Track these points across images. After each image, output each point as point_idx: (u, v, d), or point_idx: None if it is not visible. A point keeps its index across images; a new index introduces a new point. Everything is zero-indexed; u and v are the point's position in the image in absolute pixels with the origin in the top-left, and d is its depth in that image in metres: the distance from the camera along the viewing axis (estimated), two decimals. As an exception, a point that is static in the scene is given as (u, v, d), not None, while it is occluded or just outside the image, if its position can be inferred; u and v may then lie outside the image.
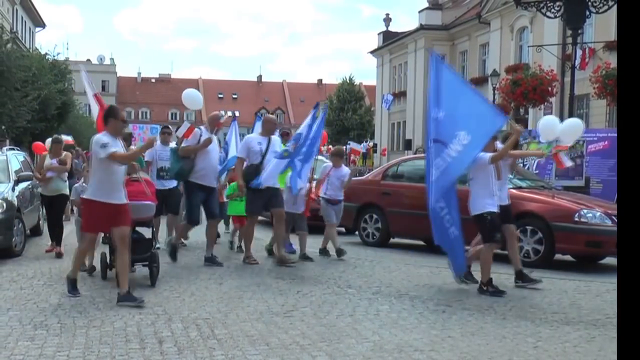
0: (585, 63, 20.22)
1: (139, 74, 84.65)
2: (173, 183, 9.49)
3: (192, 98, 9.18)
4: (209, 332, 5.20)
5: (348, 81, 55.67)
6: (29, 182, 10.53)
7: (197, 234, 9.92)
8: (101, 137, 6.26)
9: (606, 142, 13.56)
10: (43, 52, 30.53)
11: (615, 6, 13.86)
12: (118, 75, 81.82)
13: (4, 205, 8.96)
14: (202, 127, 8.56)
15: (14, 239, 9.05)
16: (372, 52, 45.73)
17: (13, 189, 9.64)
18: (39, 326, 5.34)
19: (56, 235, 9.40)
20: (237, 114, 9.24)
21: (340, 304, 6.35)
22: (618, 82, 3.61)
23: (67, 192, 9.58)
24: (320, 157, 19.85)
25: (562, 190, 10.99)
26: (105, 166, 6.19)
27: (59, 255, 8.94)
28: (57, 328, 5.29)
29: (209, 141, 8.33)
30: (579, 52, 17.99)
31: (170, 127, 10.56)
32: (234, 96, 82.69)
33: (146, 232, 7.48)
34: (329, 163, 9.90)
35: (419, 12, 39.13)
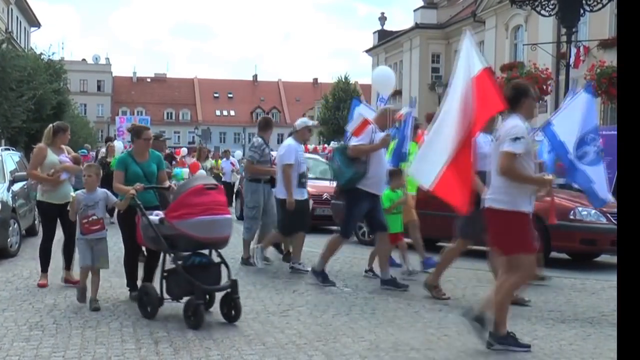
0: (579, 61, 20.28)
1: (135, 73, 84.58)
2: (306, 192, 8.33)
3: (385, 77, 8.37)
4: (205, 332, 5.20)
5: (344, 80, 55.65)
6: (24, 182, 10.50)
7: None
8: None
9: (601, 140, 13.57)
10: (38, 52, 30.41)
11: (609, 5, 13.89)
12: (113, 74, 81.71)
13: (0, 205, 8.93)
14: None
15: (9, 240, 9.03)
16: (367, 51, 45.71)
17: (8, 189, 9.63)
18: (34, 327, 5.33)
19: (71, 255, 7.13)
20: (413, 110, 7.87)
21: (337, 303, 6.36)
22: (618, 80, 3.60)
23: None
24: (316, 157, 19.80)
25: (558, 188, 11.01)
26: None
27: (77, 283, 6.60)
28: (53, 329, 5.28)
29: (387, 140, 6.99)
30: (574, 51, 18.03)
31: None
32: (230, 96, 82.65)
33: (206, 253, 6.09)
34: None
35: (414, 10, 39.12)
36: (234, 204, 15.40)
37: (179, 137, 75.21)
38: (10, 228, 9.13)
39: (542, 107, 23.33)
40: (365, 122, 6.92)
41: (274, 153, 8.75)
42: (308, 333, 5.23)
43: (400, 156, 7.81)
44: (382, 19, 44.78)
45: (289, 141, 8.15)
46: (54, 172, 6.99)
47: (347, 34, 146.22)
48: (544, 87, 19.47)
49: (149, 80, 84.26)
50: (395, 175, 7.55)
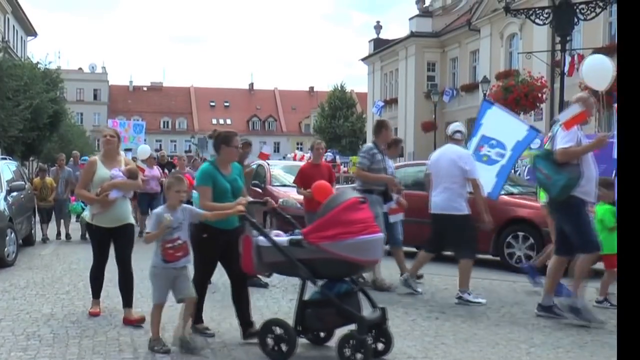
0: (573, 69, 20.36)
1: (131, 82, 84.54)
2: None
3: (601, 68, 7.78)
4: (201, 340, 5.20)
5: (339, 88, 55.81)
6: (21, 192, 10.51)
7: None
8: None
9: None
10: (35, 61, 30.41)
11: (602, 14, 13.99)
12: (110, 83, 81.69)
13: (-4, 215, 8.92)
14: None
15: (6, 249, 9.03)
16: (363, 60, 45.85)
17: (5, 199, 9.63)
18: (31, 336, 5.33)
19: (129, 290, 5.98)
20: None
21: (334, 311, 6.35)
22: (618, 83, 3.63)
23: (133, 219, 6.31)
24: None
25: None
26: None
27: (141, 322, 5.69)
28: (50, 338, 5.28)
29: (604, 140, 6.09)
30: (568, 59, 18.12)
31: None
32: (226, 104, 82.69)
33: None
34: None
35: (410, 19, 39.30)
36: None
37: (175, 146, 75.20)
38: (7, 237, 9.13)
39: (537, 114, 23.47)
40: (584, 113, 5.95)
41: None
42: (304, 341, 5.23)
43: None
44: (378, 27, 44.99)
45: (464, 150, 7.36)
46: (100, 190, 5.77)
47: (342, 43, 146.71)
48: (539, 95, 19.58)
49: (145, 89, 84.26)
50: (609, 186, 6.60)
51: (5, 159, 12.31)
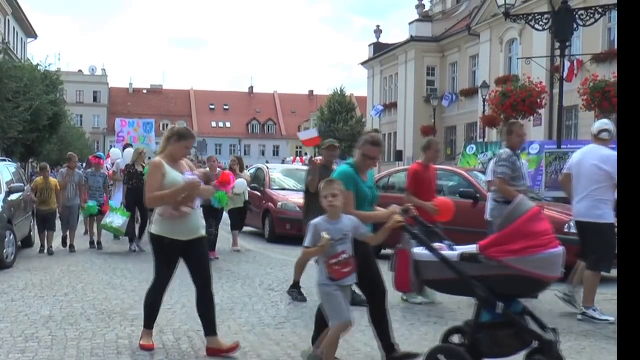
0: (572, 75, 20.45)
1: (131, 84, 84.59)
2: None
3: None
4: (200, 344, 5.20)
5: (339, 92, 55.85)
6: (20, 193, 10.52)
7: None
8: None
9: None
10: (35, 63, 30.45)
11: (601, 19, 14.02)
12: (110, 85, 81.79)
13: (-5, 216, 8.91)
14: None
15: (4, 251, 9.03)
16: (362, 64, 45.92)
17: (4, 200, 9.63)
18: (29, 338, 5.33)
19: (212, 315, 5.08)
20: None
21: (332, 315, 6.36)
22: (618, 89, 3.64)
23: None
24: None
25: (552, 202, 11.07)
26: None
27: (233, 350, 4.94)
28: (48, 340, 5.28)
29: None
30: (567, 64, 18.17)
31: None
32: (225, 107, 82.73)
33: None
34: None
35: (409, 23, 39.38)
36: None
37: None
38: (6, 239, 9.13)
39: (536, 120, 23.50)
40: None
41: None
42: (303, 345, 5.23)
43: None
44: (378, 31, 45.07)
45: (610, 151, 6.49)
46: (183, 198, 4.83)
47: (342, 46, 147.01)
48: (538, 100, 19.62)
49: (144, 91, 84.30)
50: None
51: (5, 160, 12.32)
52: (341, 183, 4.36)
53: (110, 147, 25.00)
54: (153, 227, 5.03)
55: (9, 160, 12.75)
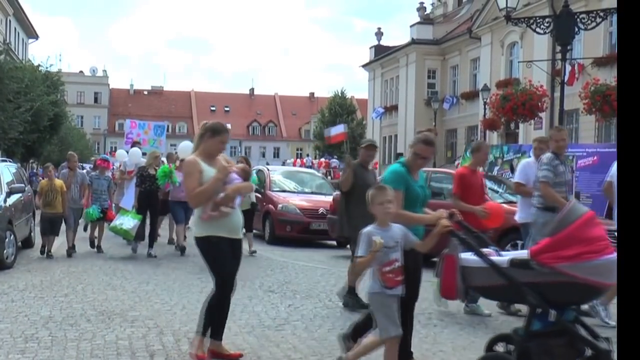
0: (573, 79, 20.44)
1: (132, 85, 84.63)
2: None
3: None
4: (200, 345, 5.20)
5: (340, 94, 55.88)
6: (20, 194, 10.52)
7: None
8: None
9: (595, 158, 13.69)
10: (36, 64, 30.48)
11: (603, 23, 14.01)
12: (110, 87, 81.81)
13: (-5, 217, 8.91)
14: None
15: (5, 251, 9.03)
16: (363, 66, 45.95)
17: (5, 201, 9.64)
18: (30, 339, 5.33)
19: (223, 318, 4.95)
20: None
21: (332, 318, 6.38)
22: (618, 93, 3.64)
23: None
24: (312, 171, 19.78)
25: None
26: None
27: (235, 358, 4.89)
28: (48, 341, 5.28)
29: None
30: (568, 68, 18.17)
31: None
32: (226, 109, 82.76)
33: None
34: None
35: (411, 26, 39.38)
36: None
37: (175, 150, 75.28)
38: (6, 240, 9.13)
39: (537, 124, 23.52)
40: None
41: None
42: (303, 348, 5.24)
43: None
44: (379, 34, 45.09)
45: None
46: (225, 197, 4.69)
47: (343, 49, 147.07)
48: (539, 104, 19.63)
49: (145, 92, 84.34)
50: None
51: (6, 161, 12.33)
52: (392, 189, 4.27)
53: (112, 148, 24.92)
54: (196, 231, 4.83)
55: (9, 161, 12.76)
